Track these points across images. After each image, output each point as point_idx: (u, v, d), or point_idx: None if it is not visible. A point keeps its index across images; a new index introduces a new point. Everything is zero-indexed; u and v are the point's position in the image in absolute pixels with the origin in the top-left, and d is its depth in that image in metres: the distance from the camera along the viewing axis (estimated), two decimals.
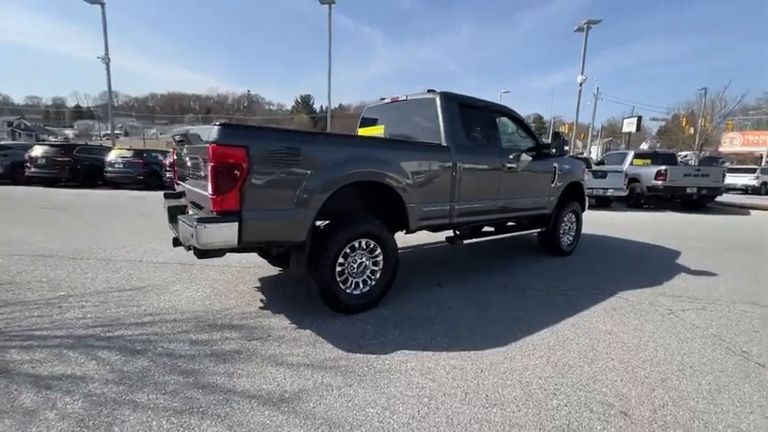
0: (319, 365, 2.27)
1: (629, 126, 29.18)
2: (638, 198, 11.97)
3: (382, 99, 4.54)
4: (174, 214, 3.19)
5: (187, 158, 3.14)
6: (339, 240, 2.80)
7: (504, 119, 4.40)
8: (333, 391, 2.02)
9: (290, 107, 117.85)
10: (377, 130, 4.39)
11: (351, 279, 2.99)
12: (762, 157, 33.18)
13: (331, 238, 2.78)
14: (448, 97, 3.69)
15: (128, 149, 15.16)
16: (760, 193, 12.69)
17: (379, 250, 3.06)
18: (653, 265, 4.95)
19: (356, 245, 2.94)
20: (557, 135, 4.39)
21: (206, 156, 2.36)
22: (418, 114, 3.92)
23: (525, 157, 4.31)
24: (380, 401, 1.95)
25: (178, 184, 3.65)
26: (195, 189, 2.88)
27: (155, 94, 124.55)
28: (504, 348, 2.56)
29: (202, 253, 2.64)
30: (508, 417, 1.87)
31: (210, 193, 2.34)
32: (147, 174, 13.98)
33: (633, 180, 11.66)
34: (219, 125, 2.32)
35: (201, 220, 2.30)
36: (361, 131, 4.67)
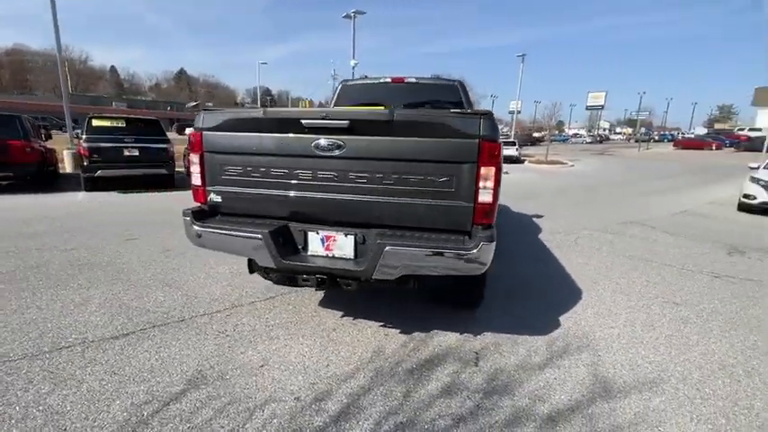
0: (575, 361, 2.33)
1: None
2: None
3: (365, 77, 4.18)
4: (280, 241, 2.05)
5: (345, 153, 2.01)
6: None
7: None
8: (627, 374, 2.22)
9: None
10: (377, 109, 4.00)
11: None
12: None
13: None
14: (463, 84, 3.93)
15: None
16: (518, 162, 19.45)
17: None
18: (512, 214, 6.91)
19: None
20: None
21: (465, 154, 1.87)
22: (435, 99, 3.90)
23: None
24: (665, 368, 2.28)
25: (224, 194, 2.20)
26: (357, 197, 2.00)
27: None
28: (614, 296, 3.33)
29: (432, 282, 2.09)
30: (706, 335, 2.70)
31: (489, 201, 1.93)
32: None
33: None
34: (486, 113, 1.86)
35: (488, 239, 1.89)
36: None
